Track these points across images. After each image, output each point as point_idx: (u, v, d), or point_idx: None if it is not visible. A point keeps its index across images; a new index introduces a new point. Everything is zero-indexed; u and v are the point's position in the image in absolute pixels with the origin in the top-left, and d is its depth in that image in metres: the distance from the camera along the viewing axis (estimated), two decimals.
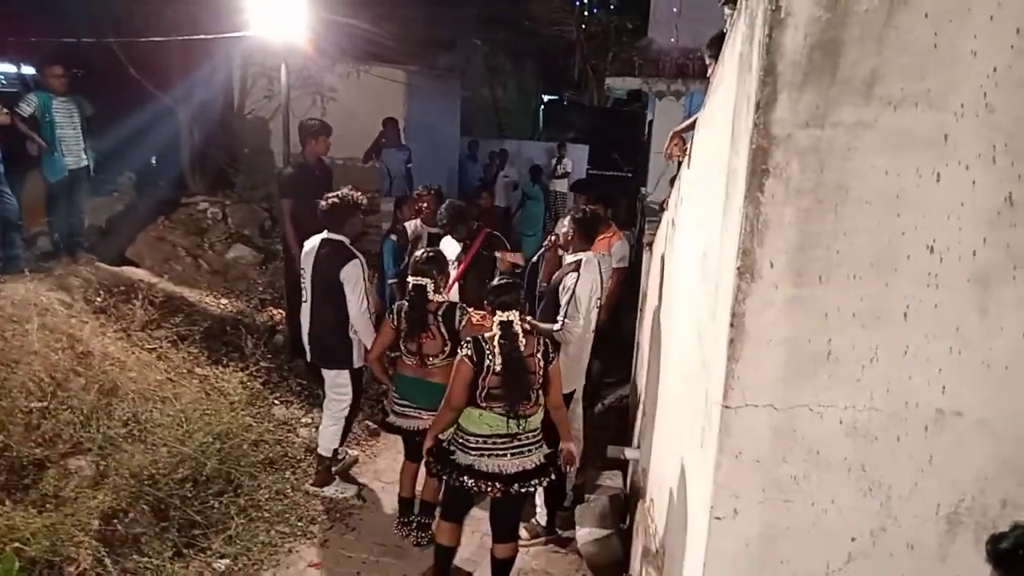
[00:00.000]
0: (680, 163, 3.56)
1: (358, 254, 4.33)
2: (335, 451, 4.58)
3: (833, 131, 1.71)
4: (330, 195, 4.42)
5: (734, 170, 1.85)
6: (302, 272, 4.49)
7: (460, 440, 3.40)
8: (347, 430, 4.61)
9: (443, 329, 3.94)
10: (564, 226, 4.30)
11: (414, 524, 4.21)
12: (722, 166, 1.99)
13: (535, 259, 4.68)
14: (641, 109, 11.15)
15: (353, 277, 4.26)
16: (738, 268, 1.78)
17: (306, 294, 4.46)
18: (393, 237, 6.11)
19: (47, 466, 3.74)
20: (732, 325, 1.81)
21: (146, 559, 3.49)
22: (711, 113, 2.42)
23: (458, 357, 3.35)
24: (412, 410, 4.04)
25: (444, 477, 3.45)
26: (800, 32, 1.66)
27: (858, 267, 1.76)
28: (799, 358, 1.81)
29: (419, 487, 4.23)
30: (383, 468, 4.99)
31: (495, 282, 3.48)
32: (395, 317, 4.02)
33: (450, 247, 5.18)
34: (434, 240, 5.41)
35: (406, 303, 4.00)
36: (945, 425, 1.82)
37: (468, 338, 3.38)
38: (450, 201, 5.39)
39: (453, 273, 5.08)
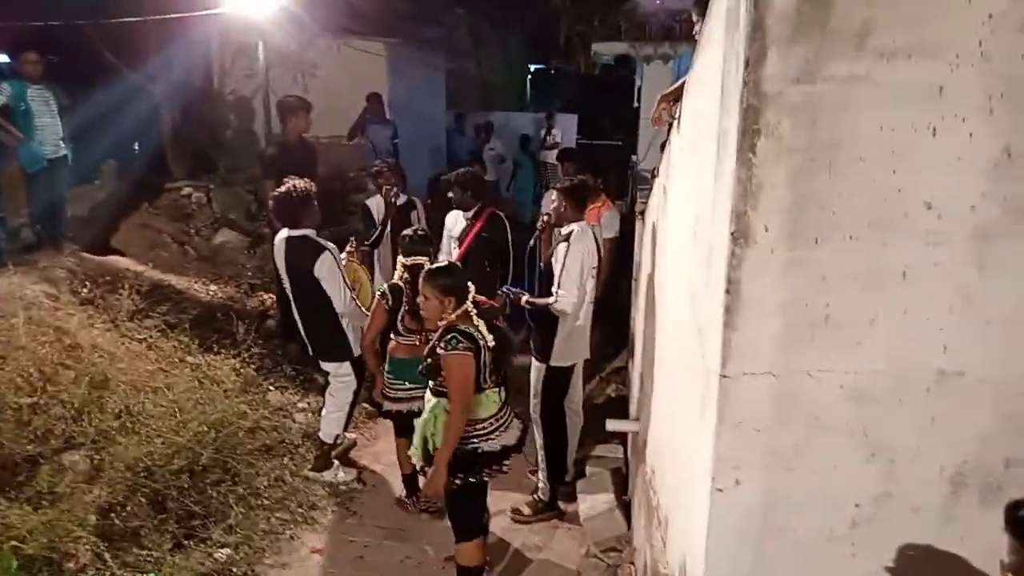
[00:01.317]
0: (670, 128, 3.48)
1: (327, 245, 4.20)
2: (336, 436, 4.55)
3: (825, 86, 1.65)
4: (275, 192, 4.24)
5: (725, 131, 1.79)
6: (277, 270, 4.40)
7: (477, 431, 3.20)
8: (350, 416, 4.58)
9: None
10: (553, 200, 4.21)
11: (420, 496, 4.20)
12: (712, 127, 1.93)
13: (532, 243, 4.62)
14: (630, 75, 11.00)
15: (329, 272, 4.15)
16: (732, 233, 1.73)
17: (288, 293, 4.36)
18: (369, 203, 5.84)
19: (40, 462, 3.69)
20: (727, 292, 1.76)
21: (146, 552, 3.46)
22: (700, 73, 2.34)
23: (454, 356, 3.07)
24: (416, 390, 3.93)
25: (479, 478, 3.22)
26: None
27: (855, 227, 1.72)
28: (797, 323, 1.77)
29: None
30: (382, 451, 4.96)
31: (433, 267, 3.34)
32: (389, 298, 3.98)
33: (454, 221, 5.13)
34: (401, 212, 5.31)
35: (401, 283, 3.97)
36: (947, 385, 1.79)
37: (450, 335, 3.10)
38: (469, 169, 5.30)
39: (455, 252, 5.03)
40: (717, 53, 1.92)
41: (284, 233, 4.26)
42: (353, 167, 8.82)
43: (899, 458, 1.83)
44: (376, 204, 5.53)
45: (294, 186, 4.18)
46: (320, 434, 4.52)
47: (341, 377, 4.41)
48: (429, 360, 3.21)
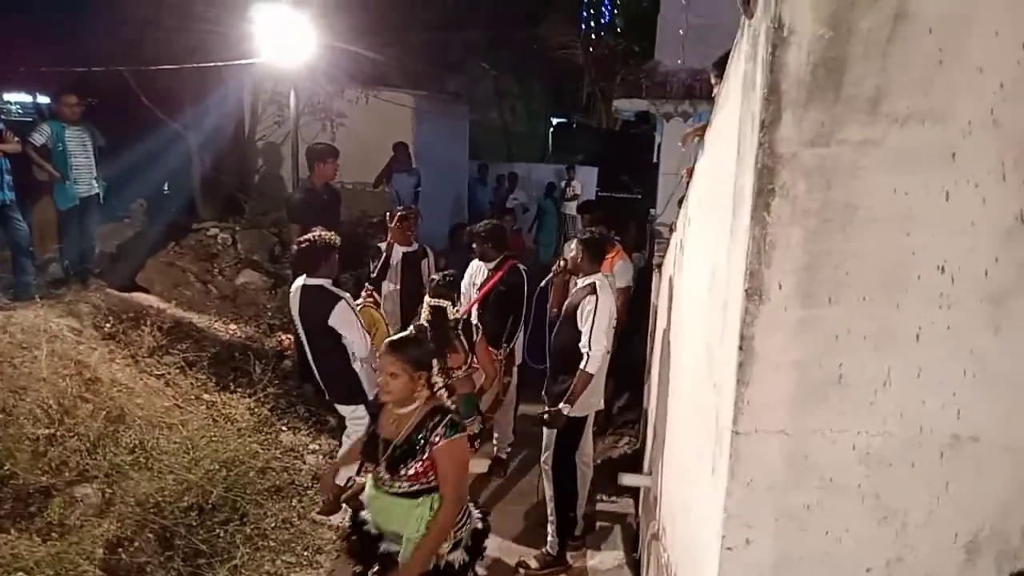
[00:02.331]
0: (688, 185, 3.54)
1: (342, 295, 4.31)
2: (348, 479, 4.54)
3: (839, 149, 1.68)
4: (301, 239, 4.38)
5: (740, 190, 1.83)
6: (292, 316, 4.49)
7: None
8: (364, 462, 4.57)
9: (464, 342, 4.17)
10: (572, 250, 4.29)
11: None
12: (728, 185, 1.97)
13: (543, 284, 4.68)
14: (650, 131, 11.20)
15: (345, 321, 4.24)
16: (746, 290, 1.74)
17: (303, 339, 4.45)
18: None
19: (53, 494, 3.74)
20: (741, 348, 1.77)
21: None
22: (716, 132, 2.40)
23: (457, 441, 2.70)
24: None
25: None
26: (803, 50, 1.64)
27: (868, 288, 1.72)
28: (810, 382, 1.77)
29: None
30: None
31: (397, 336, 2.93)
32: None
33: (476, 270, 5.22)
34: (409, 259, 5.43)
35: (425, 324, 4.06)
36: (961, 450, 1.77)
37: (446, 419, 2.72)
38: (493, 222, 5.45)
39: (473, 295, 5.11)
40: (733, 113, 1.97)
41: (300, 281, 4.36)
42: (376, 213, 8.98)
43: (912, 522, 1.80)
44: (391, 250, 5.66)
45: (319, 236, 4.30)
46: None
47: (356, 420, 4.44)
48: (403, 450, 2.66)
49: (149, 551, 3.66)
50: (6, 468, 3.65)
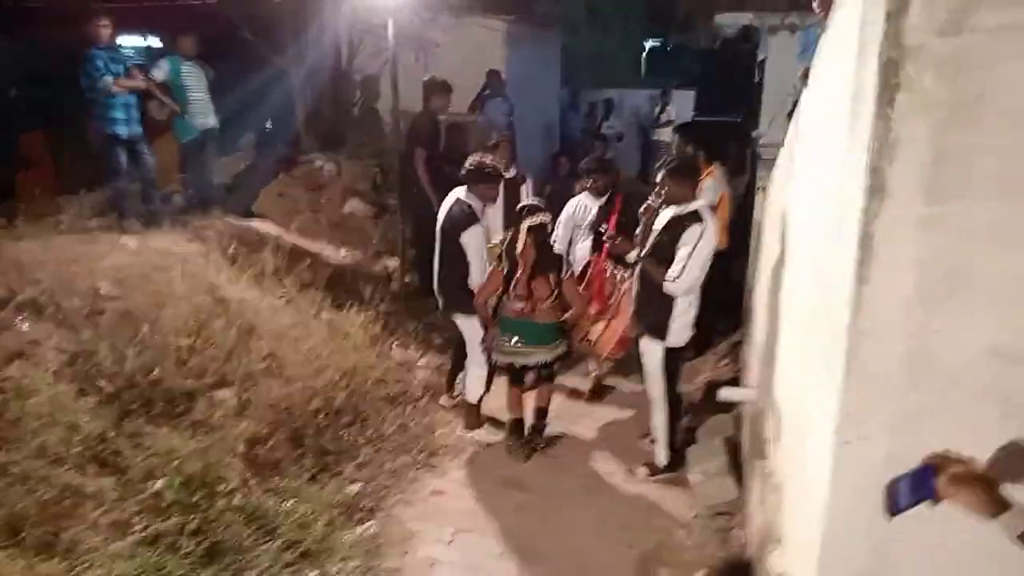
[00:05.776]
0: (796, 102, 3.42)
1: (482, 220, 4.47)
2: (480, 397, 4.74)
3: (971, 37, 1.61)
4: (482, 158, 4.58)
5: (861, 84, 1.79)
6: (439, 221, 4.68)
7: None
8: (490, 376, 4.73)
9: (552, 276, 4.25)
10: (660, 183, 4.02)
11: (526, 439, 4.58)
12: (848, 82, 1.93)
13: (638, 231, 4.64)
14: (751, 49, 10.65)
15: (473, 242, 4.40)
16: (867, 187, 1.73)
17: (437, 245, 4.65)
18: None
19: (196, 397, 4.11)
20: (860, 246, 1.77)
21: (286, 481, 3.80)
22: (835, 29, 2.33)
23: None
24: (522, 347, 4.35)
25: None
26: None
27: (998, 184, 1.67)
28: (933, 279, 1.75)
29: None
30: (492, 408, 5.17)
31: None
32: (506, 262, 4.24)
33: (578, 208, 5.23)
34: (511, 185, 5.42)
35: (518, 256, 4.22)
36: None
37: None
38: (598, 156, 5.44)
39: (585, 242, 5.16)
40: (855, 8, 1.91)
41: (458, 192, 4.56)
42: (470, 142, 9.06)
43: None
44: None
45: (495, 164, 4.56)
46: (465, 394, 4.78)
47: (473, 339, 4.61)
48: None
49: (283, 449, 4.03)
50: (156, 373, 4.05)
